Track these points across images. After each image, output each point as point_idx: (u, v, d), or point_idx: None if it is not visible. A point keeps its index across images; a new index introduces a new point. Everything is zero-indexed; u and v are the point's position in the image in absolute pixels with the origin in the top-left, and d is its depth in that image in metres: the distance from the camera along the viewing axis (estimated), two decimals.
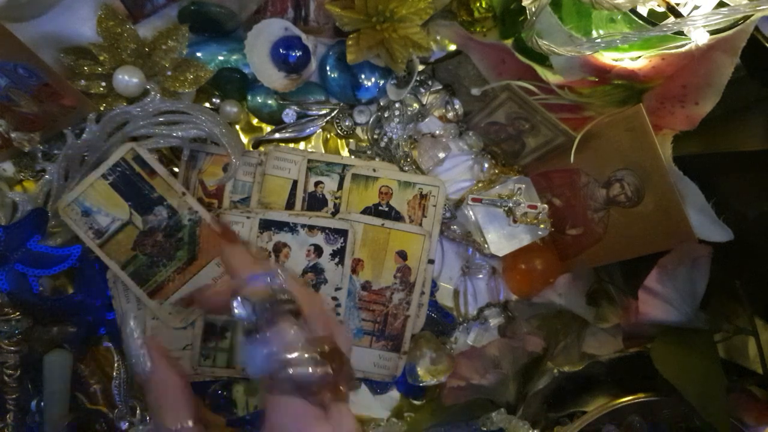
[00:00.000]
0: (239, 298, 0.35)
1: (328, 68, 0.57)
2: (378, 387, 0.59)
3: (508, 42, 0.54)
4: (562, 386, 0.59)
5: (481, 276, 0.61)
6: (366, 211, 0.57)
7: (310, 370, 0.33)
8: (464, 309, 0.61)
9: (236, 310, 0.35)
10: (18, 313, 0.50)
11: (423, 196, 0.57)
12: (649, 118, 0.48)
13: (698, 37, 0.42)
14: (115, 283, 0.55)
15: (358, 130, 0.60)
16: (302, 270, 0.55)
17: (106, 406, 0.56)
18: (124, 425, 0.55)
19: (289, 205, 0.57)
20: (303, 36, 0.54)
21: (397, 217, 0.57)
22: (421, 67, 0.58)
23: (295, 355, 0.33)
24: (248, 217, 0.55)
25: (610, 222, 0.54)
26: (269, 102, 0.58)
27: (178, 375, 0.39)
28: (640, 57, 0.47)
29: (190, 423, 0.37)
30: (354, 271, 0.56)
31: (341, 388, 0.34)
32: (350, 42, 0.53)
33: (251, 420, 0.55)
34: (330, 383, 0.33)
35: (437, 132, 0.60)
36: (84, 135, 0.52)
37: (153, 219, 0.52)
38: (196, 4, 0.53)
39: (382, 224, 0.56)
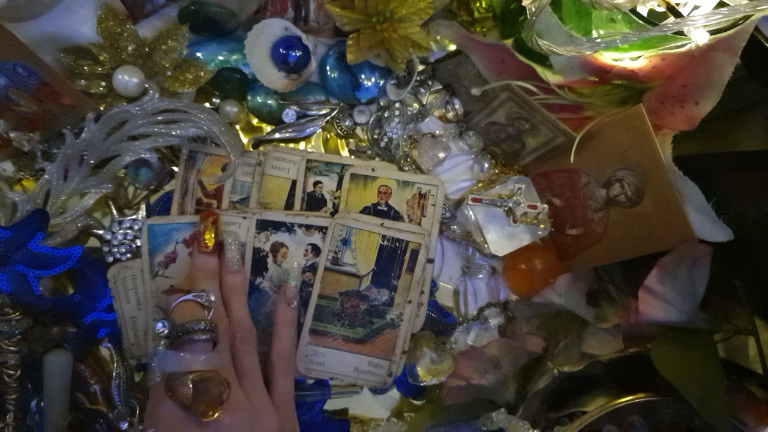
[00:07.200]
0: (163, 320, 0.43)
1: (328, 68, 0.57)
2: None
3: (508, 42, 0.54)
4: (562, 386, 0.59)
5: (481, 276, 0.61)
6: (365, 211, 0.57)
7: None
8: (464, 309, 0.61)
9: (158, 327, 0.43)
10: (18, 313, 0.50)
11: (422, 196, 0.57)
12: (649, 118, 0.48)
13: (698, 37, 0.42)
14: (115, 284, 0.55)
15: (358, 130, 0.60)
16: (300, 270, 0.55)
17: (106, 406, 0.56)
18: (124, 425, 0.55)
19: (288, 205, 0.57)
20: (303, 36, 0.54)
21: (396, 216, 0.57)
22: (421, 67, 0.57)
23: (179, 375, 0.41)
24: (245, 218, 0.55)
25: (610, 222, 0.54)
26: (269, 102, 0.58)
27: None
28: (640, 57, 0.47)
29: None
30: None
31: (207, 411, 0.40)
32: (350, 42, 0.53)
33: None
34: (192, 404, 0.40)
35: (437, 132, 0.60)
36: (83, 134, 0.52)
37: (374, 292, 0.55)
38: (196, 4, 0.53)
39: (382, 224, 0.56)
